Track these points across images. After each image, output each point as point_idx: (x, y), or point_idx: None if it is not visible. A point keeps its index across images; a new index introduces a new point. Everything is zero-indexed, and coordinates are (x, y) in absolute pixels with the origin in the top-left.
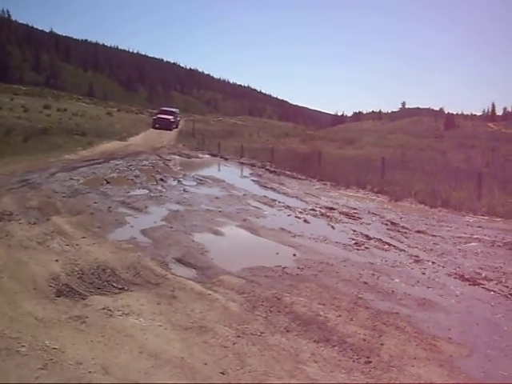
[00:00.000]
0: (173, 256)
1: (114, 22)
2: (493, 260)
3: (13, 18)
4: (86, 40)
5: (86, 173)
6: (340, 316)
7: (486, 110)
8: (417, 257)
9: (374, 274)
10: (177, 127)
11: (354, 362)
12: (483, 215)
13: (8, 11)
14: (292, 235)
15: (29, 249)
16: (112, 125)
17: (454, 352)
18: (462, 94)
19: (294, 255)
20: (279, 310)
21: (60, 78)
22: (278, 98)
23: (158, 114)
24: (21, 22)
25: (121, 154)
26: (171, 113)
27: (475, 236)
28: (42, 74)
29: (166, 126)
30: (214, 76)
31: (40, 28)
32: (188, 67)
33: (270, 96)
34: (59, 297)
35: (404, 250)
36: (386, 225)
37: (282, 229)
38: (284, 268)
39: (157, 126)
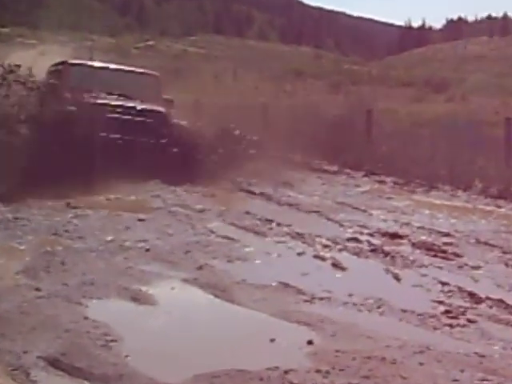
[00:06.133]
0: (40, 353)
1: None
2: None
3: None
4: None
5: None
6: None
7: None
8: None
9: (485, 380)
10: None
11: None
12: None
13: None
14: (306, 298)
15: None
16: None
17: None
18: None
19: (310, 343)
20: None
21: None
22: None
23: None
24: None
25: None
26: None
27: None
28: None
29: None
30: None
31: None
32: None
33: None
34: None
35: None
36: None
37: (285, 284)
38: (286, 374)
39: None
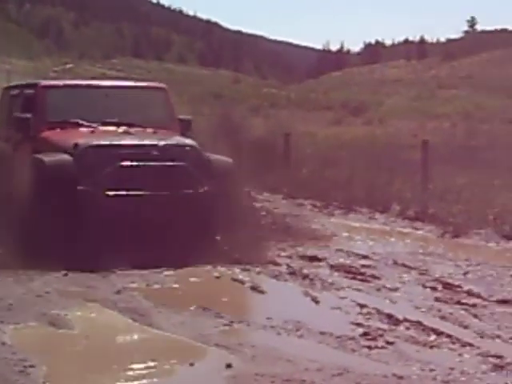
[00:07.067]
0: None
1: None
2: None
3: None
4: None
5: None
6: None
7: None
8: (500, 358)
9: None
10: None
11: None
12: None
13: None
14: (225, 322)
15: None
16: None
17: None
18: None
19: (229, 366)
20: None
21: None
22: (199, 17)
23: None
24: None
25: None
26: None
27: None
28: None
29: None
30: None
31: None
32: None
33: (180, 14)
34: None
35: (472, 345)
36: (434, 290)
37: (204, 308)
38: None
39: None
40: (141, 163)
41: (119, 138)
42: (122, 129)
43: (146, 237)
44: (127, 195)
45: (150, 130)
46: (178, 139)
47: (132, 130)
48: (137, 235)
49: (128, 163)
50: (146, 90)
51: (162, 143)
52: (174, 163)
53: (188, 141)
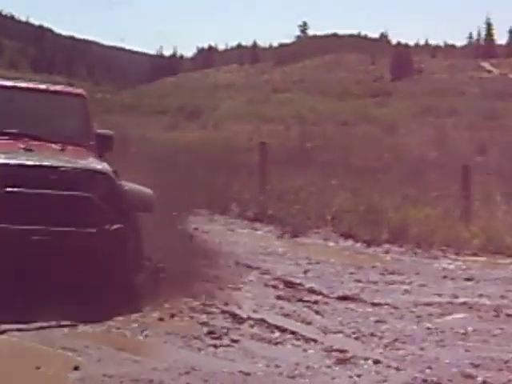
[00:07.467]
0: None
1: None
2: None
3: None
4: None
5: None
6: None
7: (475, 36)
8: (343, 352)
9: None
10: None
11: None
12: (476, 254)
13: None
14: (69, 323)
15: None
16: None
17: None
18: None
19: (77, 369)
20: None
21: None
22: (31, 22)
23: None
24: None
25: None
26: None
27: (462, 299)
28: None
29: None
30: None
31: None
32: None
33: (11, 19)
34: None
35: (316, 340)
36: (275, 288)
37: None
38: None
39: None
40: (33, 190)
41: (11, 156)
42: (22, 142)
43: (32, 283)
44: (12, 229)
45: (56, 147)
46: (87, 162)
47: (35, 144)
48: (20, 280)
49: (15, 189)
50: (60, 95)
51: (66, 166)
52: (76, 193)
53: (100, 166)
